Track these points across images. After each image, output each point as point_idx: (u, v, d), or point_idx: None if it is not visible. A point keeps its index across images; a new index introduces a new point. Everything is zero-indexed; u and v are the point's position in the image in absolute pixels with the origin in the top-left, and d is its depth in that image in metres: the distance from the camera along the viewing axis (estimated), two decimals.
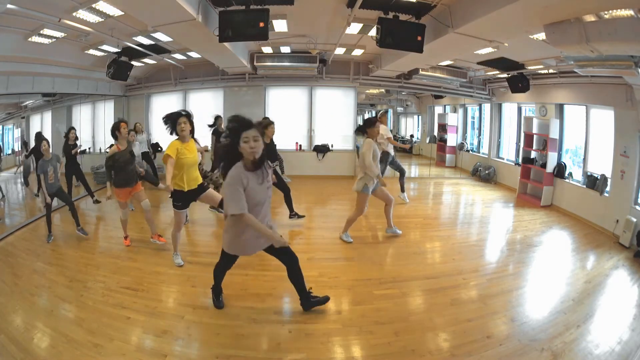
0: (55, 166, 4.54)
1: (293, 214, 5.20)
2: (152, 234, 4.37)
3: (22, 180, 6.42)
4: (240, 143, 2.35)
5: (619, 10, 3.05)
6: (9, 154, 6.37)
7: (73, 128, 6.14)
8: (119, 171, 4.10)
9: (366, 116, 18.75)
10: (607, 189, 5.51)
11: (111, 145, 4.32)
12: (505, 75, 7.19)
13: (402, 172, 6.53)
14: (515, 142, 8.12)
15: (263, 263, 3.93)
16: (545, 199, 6.59)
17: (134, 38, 5.54)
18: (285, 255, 2.80)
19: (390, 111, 16.50)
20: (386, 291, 3.41)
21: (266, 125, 4.62)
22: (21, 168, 6.42)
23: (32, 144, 6.59)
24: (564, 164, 6.58)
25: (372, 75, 8.49)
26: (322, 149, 8.53)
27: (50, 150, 4.52)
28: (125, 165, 4.13)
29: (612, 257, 4.44)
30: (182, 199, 3.62)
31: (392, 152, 6.21)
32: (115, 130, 4.12)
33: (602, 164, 5.72)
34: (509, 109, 8.89)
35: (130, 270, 3.77)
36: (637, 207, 4.91)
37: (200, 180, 3.73)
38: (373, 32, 4.64)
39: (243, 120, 2.39)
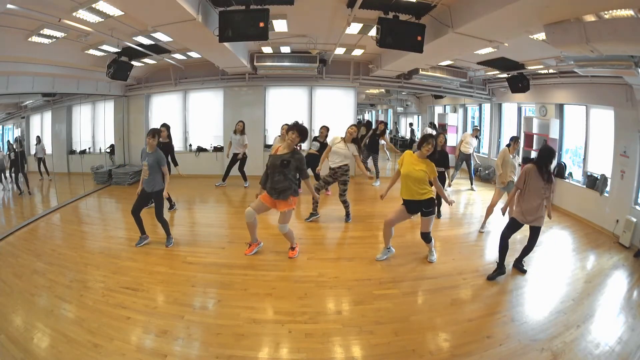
0: (151, 163, 4.12)
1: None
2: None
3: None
4: None
5: (619, 10, 3.05)
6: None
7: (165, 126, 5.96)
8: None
9: (366, 116, 18.73)
10: (607, 189, 5.51)
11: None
12: (505, 75, 7.18)
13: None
14: None
15: (263, 263, 3.94)
16: None
17: (134, 38, 5.53)
18: None
19: (390, 111, 16.51)
20: (386, 291, 3.41)
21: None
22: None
23: (34, 142, 6.63)
24: (564, 164, 6.58)
25: (372, 75, 8.49)
26: (322, 149, 8.50)
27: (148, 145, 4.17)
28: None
29: (612, 257, 4.44)
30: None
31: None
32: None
33: (602, 164, 5.72)
34: (509, 109, 8.89)
35: (130, 270, 3.77)
36: (637, 207, 4.91)
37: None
38: (373, 32, 4.64)
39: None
